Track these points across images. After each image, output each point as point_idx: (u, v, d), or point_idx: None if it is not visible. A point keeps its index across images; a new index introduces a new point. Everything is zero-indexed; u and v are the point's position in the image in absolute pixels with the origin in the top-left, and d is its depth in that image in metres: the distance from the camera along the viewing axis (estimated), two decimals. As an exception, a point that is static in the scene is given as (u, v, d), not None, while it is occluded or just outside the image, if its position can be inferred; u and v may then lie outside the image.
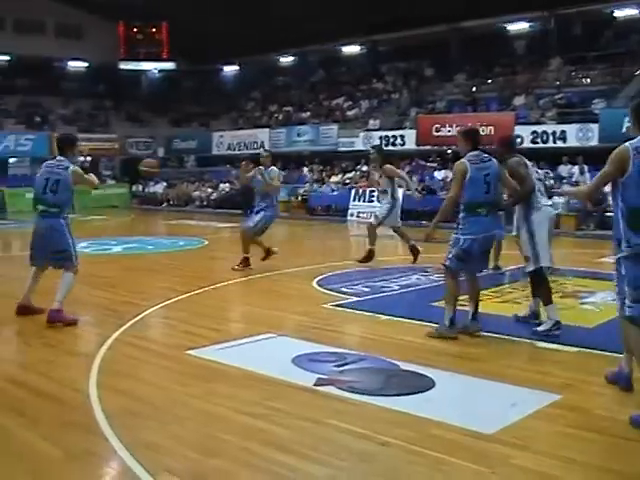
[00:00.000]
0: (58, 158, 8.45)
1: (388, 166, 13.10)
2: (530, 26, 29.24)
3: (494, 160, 7.62)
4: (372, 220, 13.18)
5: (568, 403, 5.53)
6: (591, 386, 6.04)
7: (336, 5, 29.65)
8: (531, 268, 7.75)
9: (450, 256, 7.59)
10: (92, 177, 8.89)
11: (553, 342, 7.27)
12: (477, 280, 7.89)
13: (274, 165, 12.61)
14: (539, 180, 8.23)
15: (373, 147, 14.57)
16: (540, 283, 7.87)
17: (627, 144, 5.14)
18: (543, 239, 7.71)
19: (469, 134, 7.83)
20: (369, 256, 12.74)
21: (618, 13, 26.91)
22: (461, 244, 7.50)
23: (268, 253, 12.52)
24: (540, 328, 7.68)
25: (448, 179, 23.85)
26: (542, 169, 22.86)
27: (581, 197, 7.30)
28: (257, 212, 12.37)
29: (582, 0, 25.77)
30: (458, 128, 9.11)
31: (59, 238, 8.29)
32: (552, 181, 22.10)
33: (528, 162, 8.02)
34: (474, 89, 29.31)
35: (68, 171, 8.30)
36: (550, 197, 8.51)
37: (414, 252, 12.82)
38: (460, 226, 7.56)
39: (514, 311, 8.57)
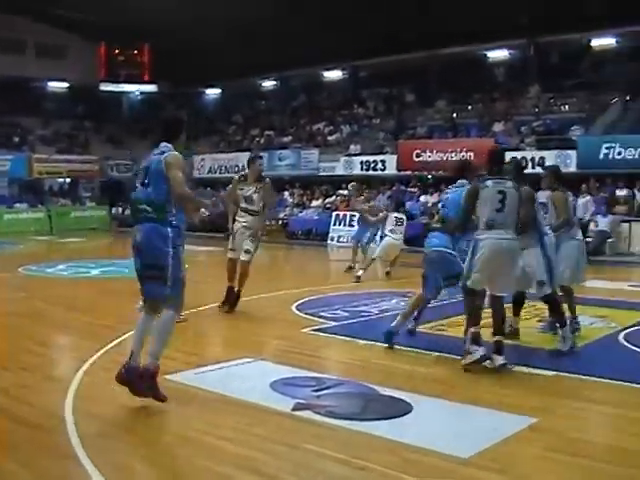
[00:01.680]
0: (162, 144, 6.62)
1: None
2: (510, 54, 29.65)
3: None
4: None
5: (544, 426, 5.56)
6: (567, 409, 6.10)
7: (318, 31, 29.79)
8: (548, 291, 8.01)
9: None
10: (183, 187, 6.38)
11: (529, 366, 7.30)
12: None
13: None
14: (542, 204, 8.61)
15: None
16: (557, 305, 8.20)
17: None
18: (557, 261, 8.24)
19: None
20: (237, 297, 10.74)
21: (595, 42, 27.32)
22: None
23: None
24: (560, 346, 7.90)
25: (429, 204, 24.00)
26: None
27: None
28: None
29: (560, 29, 26.05)
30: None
31: (157, 250, 6.37)
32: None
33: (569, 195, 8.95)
34: (454, 115, 29.58)
35: (162, 158, 6.44)
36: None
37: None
38: None
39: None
